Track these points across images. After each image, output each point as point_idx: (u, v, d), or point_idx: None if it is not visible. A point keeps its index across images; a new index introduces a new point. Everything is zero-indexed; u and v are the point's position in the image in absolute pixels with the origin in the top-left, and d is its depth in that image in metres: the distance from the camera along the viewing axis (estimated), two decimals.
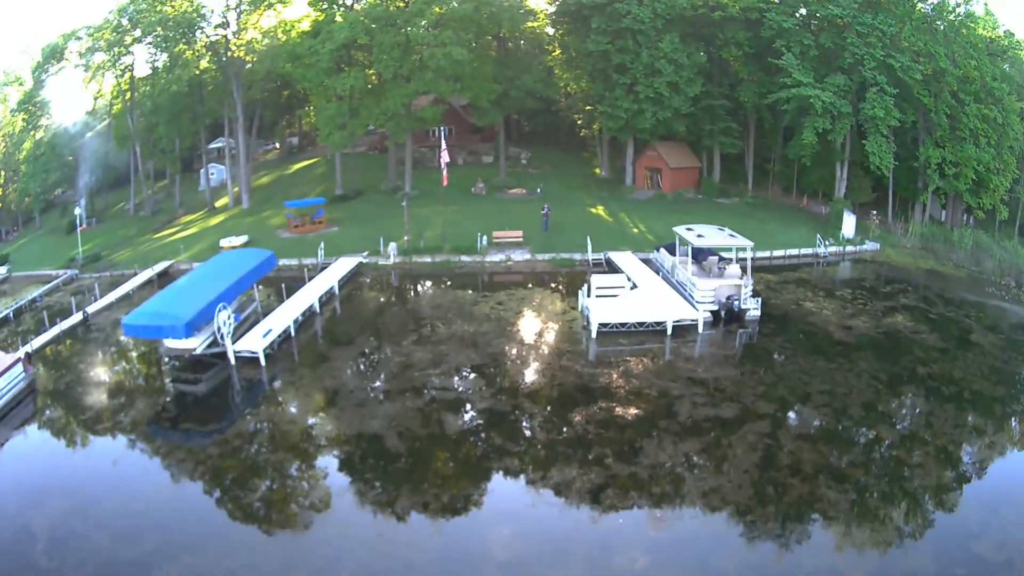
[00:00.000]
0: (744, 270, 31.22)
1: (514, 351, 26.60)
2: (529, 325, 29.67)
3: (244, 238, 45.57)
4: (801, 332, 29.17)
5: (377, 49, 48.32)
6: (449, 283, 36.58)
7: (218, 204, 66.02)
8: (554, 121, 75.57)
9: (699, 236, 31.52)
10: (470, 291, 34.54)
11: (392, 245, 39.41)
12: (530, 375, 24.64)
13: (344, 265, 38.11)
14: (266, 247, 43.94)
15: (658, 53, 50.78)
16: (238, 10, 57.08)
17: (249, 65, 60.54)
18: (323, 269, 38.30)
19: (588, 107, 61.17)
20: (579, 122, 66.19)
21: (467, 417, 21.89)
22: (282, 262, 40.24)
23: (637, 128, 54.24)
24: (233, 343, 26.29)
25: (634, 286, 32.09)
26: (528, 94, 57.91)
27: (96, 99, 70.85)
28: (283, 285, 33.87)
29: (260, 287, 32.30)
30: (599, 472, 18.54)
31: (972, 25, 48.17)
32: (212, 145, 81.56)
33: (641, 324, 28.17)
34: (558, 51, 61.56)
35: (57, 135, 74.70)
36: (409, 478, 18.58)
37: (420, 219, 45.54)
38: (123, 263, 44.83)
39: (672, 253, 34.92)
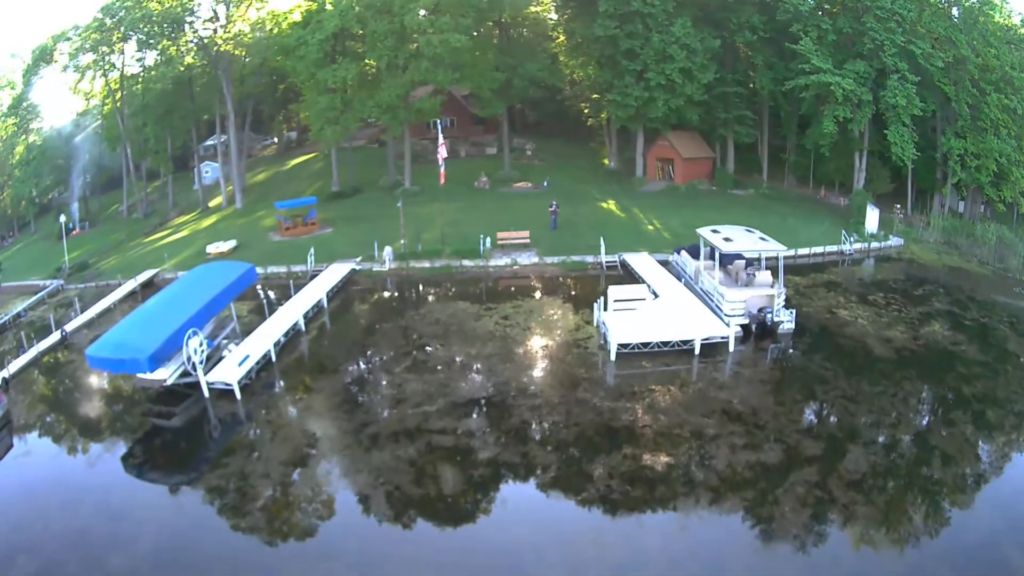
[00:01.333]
0: (775, 276, 27.37)
1: (522, 380, 22.65)
2: (538, 346, 25.63)
3: (232, 243, 41.82)
4: (839, 347, 25.40)
5: (370, 38, 44.21)
6: (449, 292, 32.61)
7: (212, 204, 62.53)
8: (560, 111, 71.10)
9: (727, 240, 27.45)
10: (472, 302, 30.52)
11: (388, 250, 35.50)
12: (542, 412, 20.70)
13: (335, 273, 34.26)
14: (255, 252, 40.54)
15: (669, 38, 46.49)
16: (225, 2, 53.05)
17: (240, 59, 56.81)
18: (313, 277, 34.59)
19: (595, 95, 56.79)
20: (586, 111, 61.69)
21: (468, 471, 18.05)
22: (270, 269, 36.88)
23: (648, 117, 50.07)
24: (207, 372, 22.69)
25: (655, 296, 28.14)
26: (532, 83, 53.47)
27: (88, 100, 67.21)
28: (266, 300, 30.09)
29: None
30: (626, 549, 14.76)
31: (990, 12, 44.52)
32: (208, 142, 77.99)
33: (666, 344, 24.26)
34: (563, 37, 56.75)
35: (49, 138, 71.96)
36: (397, 554, 14.85)
37: (419, 218, 41.59)
38: (110, 271, 41.35)
39: (694, 256, 30.95)
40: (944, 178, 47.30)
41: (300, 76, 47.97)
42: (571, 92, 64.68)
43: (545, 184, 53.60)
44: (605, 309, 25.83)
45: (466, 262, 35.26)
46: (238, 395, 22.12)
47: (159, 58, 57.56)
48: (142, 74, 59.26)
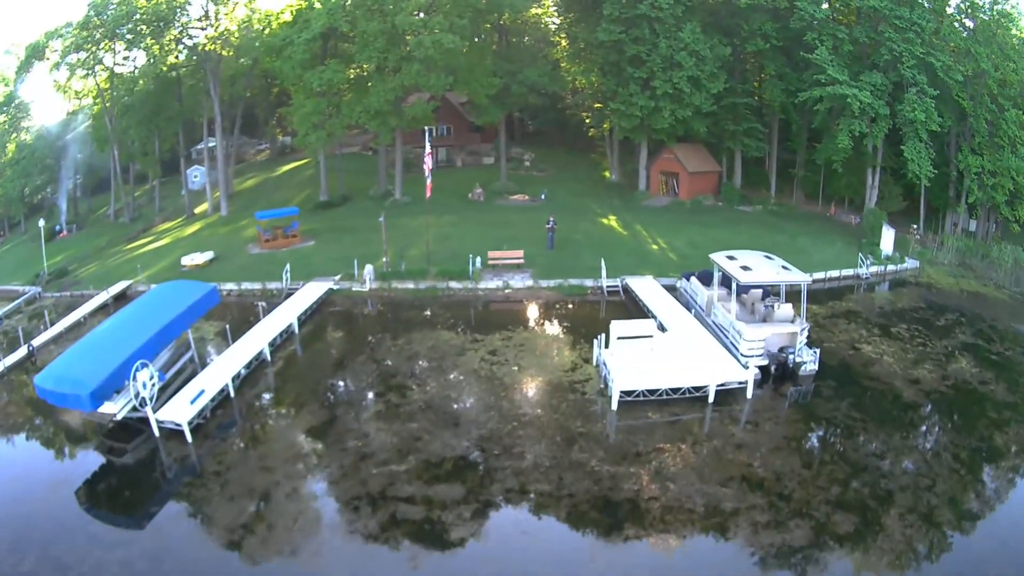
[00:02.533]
0: (797, 309, 23.95)
1: (508, 435, 19.12)
2: (529, 388, 22.01)
3: (209, 255, 38.37)
4: (865, 391, 22.16)
5: (360, 39, 40.81)
6: (433, 319, 28.95)
7: (198, 210, 59.20)
8: (560, 119, 67.59)
9: (745, 269, 23.92)
10: (457, 332, 26.96)
11: (368, 268, 31.96)
12: (529, 478, 17.17)
13: (310, 293, 30.78)
14: (232, 265, 37.12)
15: (678, 44, 43.16)
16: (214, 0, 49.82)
17: (229, 59, 53.67)
18: (288, 296, 31.18)
19: (598, 104, 53.27)
20: (587, 121, 57.99)
21: (434, 555, 14.58)
22: (244, 285, 33.52)
23: (653, 128, 46.61)
24: (159, 407, 19.69)
25: (662, 330, 24.66)
26: (531, 89, 49.97)
27: (80, 99, 64.08)
28: (228, 326, 26.61)
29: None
30: None
31: (1008, 25, 42.02)
32: (201, 146, 74.73)
33: (675, 390, 20.79)
34: (565, 42, 53.16)
35: (39, 137, 69.33)
36: None
37: (407, 232, 38.18)
38: (89, 279, 38.42)
39: (705, 283, 27.49)
40: (958, 196, 44.74)
41: (287, 78, 44.50)
42: (572, 100, 61.12)
43: (543, 197, 50.22)
44: (606, 346, 22.37)
45: (453, 284, 31.65)
46: (189, 437, 18.96)
47: (144, 57, 54.60)
48: (126, 74, 56.31)
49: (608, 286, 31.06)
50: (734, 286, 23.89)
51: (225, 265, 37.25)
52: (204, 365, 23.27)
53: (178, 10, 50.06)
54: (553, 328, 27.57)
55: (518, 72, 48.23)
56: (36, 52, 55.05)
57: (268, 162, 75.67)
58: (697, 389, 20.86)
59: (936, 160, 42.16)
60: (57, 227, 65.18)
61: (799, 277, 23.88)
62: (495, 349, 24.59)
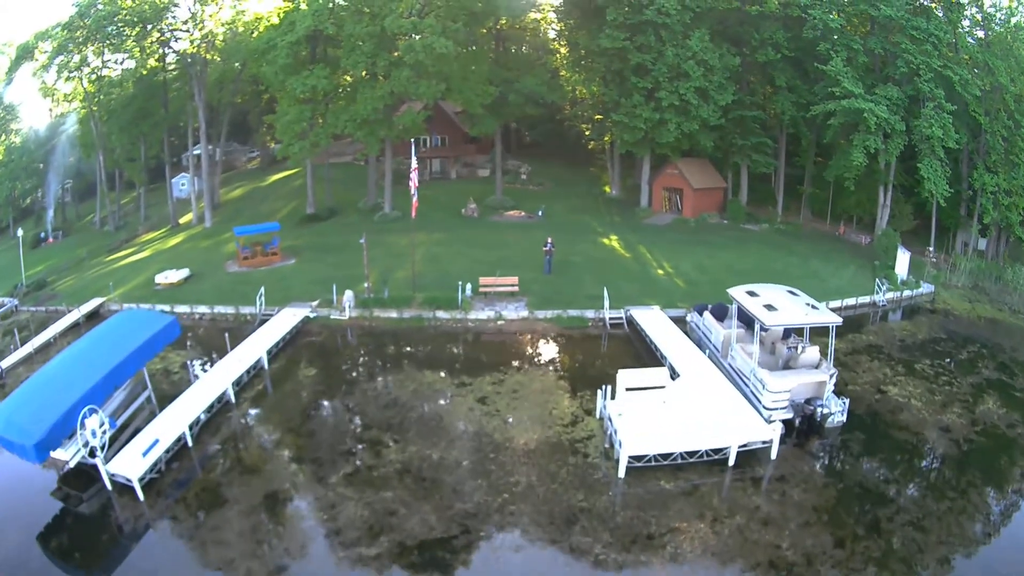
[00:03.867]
0: (824, 354, 21.01)
1: (498, 510, 16.04)
2: (524, 449, 18.69)
3: (184, 273, 35.27)
4: (896, 445, 19.62)
5: (346, 43, 37.86)
6: (417, 355, 25.71)
7: (183, 220, 56.22)
8: (558, 131, 64.60)
9: (769, 308, 20.88)
10: (443, 372, 23.76)
11: (348, 295, 28.84)
12: (523, 571, 14.19)
13: (285, 321, 27.68)
14: (207, 285, 33.98)
15: (685, 52, 40.34)
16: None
17: (215, 63, 50.85)
18: (262, 322, 28.17)
19: (598, 116, 50.32)
20: (587, 133, 54.99)
21: None
22: (217, 309, 30.42)
23: (657, 142, 43.66)
24: (112, 456, 17.24)
25: (674, 376, 21.66)
26: (529, 99, 47.04)
27: (67, 102, 61.27)
28: (190, 362, 23.58)
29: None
30: None
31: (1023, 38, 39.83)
32: (193, 152, 71.89)
33: (691, 454, 17.78)
34: (565, 49, 50.11)
35: (28, 140, 67.39)
36: None
37: (394, 251, 35.17)
38: (65, 293, 35.76)
39: (719, 317, 24.53)
40: (969, 215, 42.35)
41: (271, 84, 41.51)
42: (571, 111, 58.06)
43: (540, 214, 47.25)
44: (612, 397, 19.36)
45: (441, 313, 28.39)
46: (140, 495, 16.33)
47: (126, 60, 51.86)
48: (110, 77, 53.61)
49: (611, 318, 27.95)
50: (757, 328, 20.85)
51: (200, 285, 34.20)
52: (164, 406, 20.24)
53: (162, 11, 47.14)
54: (551, 369, 24.26)
55: (515, 80, 45.30)
56: (26, 53, 52.33)
57: (259, 171, 72.66)
58: (716, 451, 17.86)
59: (949, 178, 39.63)
60: (42, 234, 63.01)
61: (828, 318, 20.89)
62: (485, 395, 21.47)
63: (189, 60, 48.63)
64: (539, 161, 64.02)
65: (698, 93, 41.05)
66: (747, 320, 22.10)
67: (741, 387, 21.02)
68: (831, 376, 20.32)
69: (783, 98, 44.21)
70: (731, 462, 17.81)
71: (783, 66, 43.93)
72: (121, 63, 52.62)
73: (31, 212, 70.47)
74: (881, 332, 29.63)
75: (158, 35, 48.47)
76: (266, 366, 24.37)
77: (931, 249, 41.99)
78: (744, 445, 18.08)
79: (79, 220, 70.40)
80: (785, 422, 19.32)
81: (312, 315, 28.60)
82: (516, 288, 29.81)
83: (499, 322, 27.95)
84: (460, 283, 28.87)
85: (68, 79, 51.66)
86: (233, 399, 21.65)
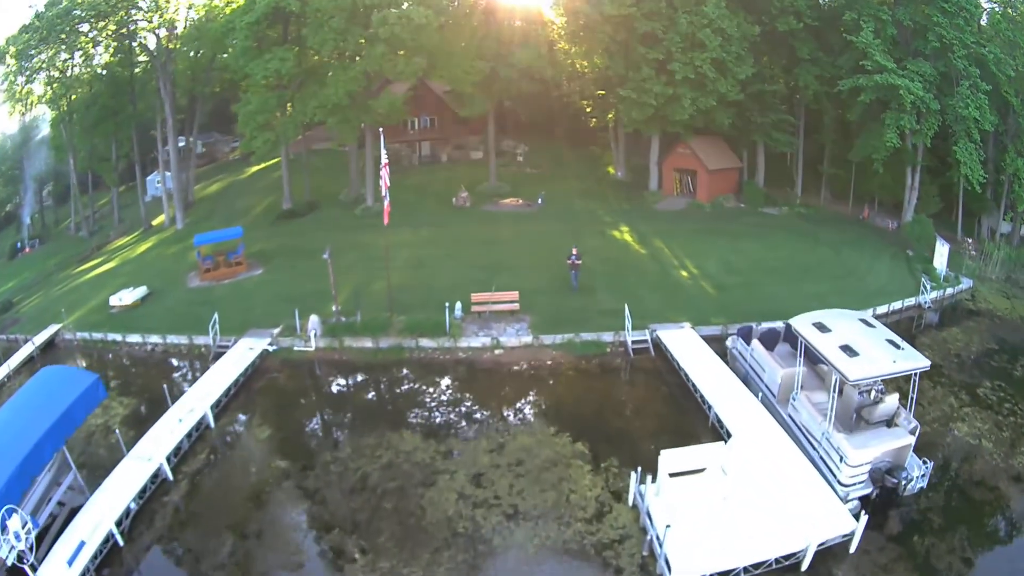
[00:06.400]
0: (904, 401, 15.72)
1: None
2: (533, 559, 13.15)
3: (142, 291, 29.74)
4: (977, 509, 15.20)
5: (312, 18, 31.63)
6: (393, 405, 20.07)
7: (155, 222, 50.36)
8: (555, 108, 57.90)
9: (847, 351, 15.02)
10: (424, 434, 17.92)
11: (313, 320, 23.09)
12: None
13: (239, 359, 22.12)
14: (164, 305, 28.47)
15: (700, 19, 34.15)
16: None
17: (182, 52, 44.81)
18: (216, 357, 22.70)
19: (601, 92, 43.89)
20: (588, 110, 48.45)
21: None
22: (169, 339, 24.90)
23: (670, 120, 37.54)
24: (41, 558, 13.44)
25: (727, 438, 16.12)
26: (523, 75, 40.63)
27: (34, 106, 55.50)
28: (118, 430, 18.11)
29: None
30: None
31: None
32: (166, 148, 65.89)
33: (759, 565, 12.35)
34: (562, 18, 43.26)
35: (2, 146, 64.33)
36: None
37: (372, 255, 29.37)
38: (30, 315, 31.14)
39: (768, 345, 18.93)
40: (996, 199, 37.82)
41: (232, 70, 35.36)
42: (569, 87, 51.13)
43: (540, 201, 41.31)
44: (652, 480, 13.83)
45: (425, 342, 22.52)
46: None
47: (83, 57, 46.01)
48: (72, 76, 47.47)
49: (634, 341, 22.13)
50: (835, 380, 15.15)
51: (156, 306, 28.75)
52: (94, 487, 15.59)
53: (119, 2, 40.94)
54: (563, 422, 18.07)
55: (508, 55, 38.84)
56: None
57: (239, 161, 66.16)
58: (788, 558, 12.46)
59: (982, 161, 34.85)
60: (18, 244, 57.74)
61: (917, 363, 15.22)
62: (480, 472, 15.86)
63: (153, 51, 42.91)
64: (536, 141, 57.67)
65: (715, 65, 34.87)
66: (811, 355, 16.53)
67: (807, 449, 15.57)
68: (914, 431, 15.03)
69: (805, 71, 38.06)
70: (805, 565, 12.44)
71: (805, 36, 37.90)
72: (82, 61, 46.77)
73: (11, 220, 65.10)
74: (934, 345, 24.31)
75: (115, 28, 42.24)
76: (212, 424, 18.93)
77: (969, 240, 36.77)
78: (823, 543, 12.70)
79: (57, 226, 65.08)
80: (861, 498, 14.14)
81: (272, 348, 22.93)
82: (516, 306, 23.81)
83: (496, 351, 22.09)
84: (447, 304, 22.94)
85: (29, 80, 46.01)
86: (170, 475, 16.48)
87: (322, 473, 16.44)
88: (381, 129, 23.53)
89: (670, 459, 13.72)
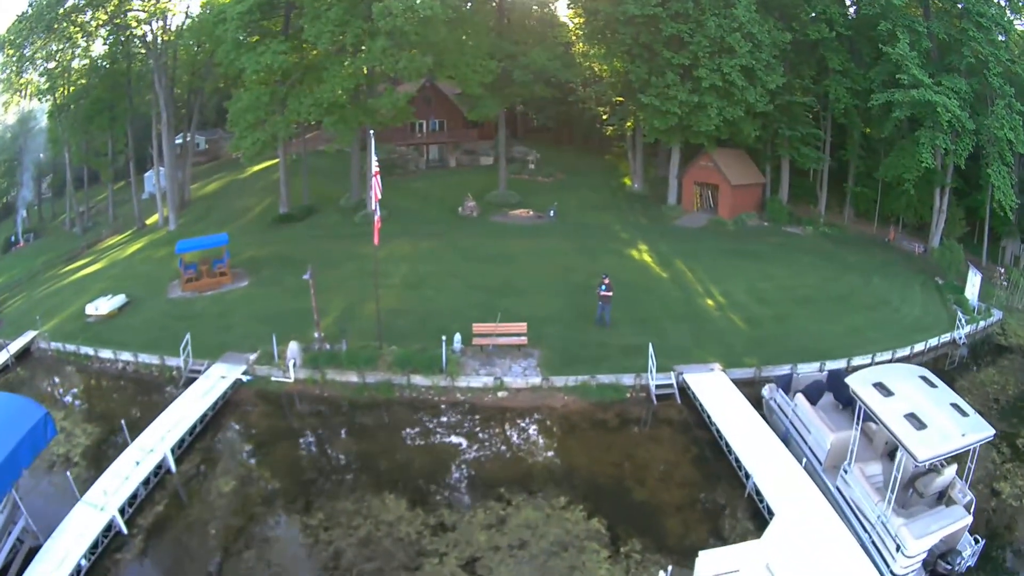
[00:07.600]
0: (961, 472, 13.35)
1: None
2: None
3: (120, 300, 27.07)
4: None
5: (309, 8, 28.89)
6: (375, 462, 16.86)
7: (149, 221, 48.13)
8: (570, 114, 54.88)
9: (913, 421, 12.20)
10: (411, 500, 14.76)
11: (293, 347, 20.21)
12: None
13: (210, 389, 19.37)
14: (142, 318, 25.75)
15: (730, 23, 31.24)
16: None
17: (177, 45, 42.56)
18: (187, 384, 19.98)
19: (619, 98, 40.81)
20: (604, 117, 45.25)
21: None
22: (142, 359, 22.49)
23: (694, 130, 34.62)
24: None
25: (768, 513, 13.26)
26: (538, 77, 37.54)
27: (31, 97, 53.55)
28: (69, 473, 15.41)
29: None
30: None
31: None
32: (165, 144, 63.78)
33: None
34: (580, 18, 40.07)
35: (1, 137, 61.95)
36: None
37: (367, 271, 26.35)
38: (11, 317, 28.80)
39: (812, 399, 16.04)
40: (1021, 225, 35.97)
41: (225, 64, 32.68)
42: (585, 92, 48.07)
43: (552, 213, 38.41)
44: None
45: (418, 379, 19.57)
46: None
47: (77, 49, 44.09)
48: (66, 68, 45.44)
49: (658, 386, 19.13)
50: (901, 459, 12.32)
51: (133, 317, 26.04)
52: (47, 533, 13.38)
53: None
54: (576, 492, 14.99)
55: (521, 55, 35.86)
56: None
57: (241, 160, 63.75)
58: None
59: (1015, 185, 32.97)
60: (12, 237, 56.07)
61: (984, 433, 12.53)
62: (475, 556, 12.94)
63: (148, 44, 40.62)
64: (548, 147, 54.76)
65: (743, 73, 31.94)
66: (864, 413, 13.72)
67: (856, 529, 12.90)
68: (969, 505, 12.73)
69: (837, 83, 35.16)
70: None
71: (837, 46, 35.12)
72: (75, 52, 44.58)
73: (10, 211, 63.04)
74: (973, 389, 21.54)
75: (107, 18, 39.91)
76: (172, 468, 16.18)
77: (1001, 270, 34.06)
78: None
79: (54, 220, 63.05)
80: None
81: (246, 379, 20.13)
82: (524, 340, 20.75)
83: (499, 393, 19.10)
84: (444, 337, 20.01)
85: (19, 71, 43.68)
86: (124, 529, 13.99)
87: (289, 546, 13.61)
88: (371, 132, 20.57)
89: (709, 561, 10.84)
